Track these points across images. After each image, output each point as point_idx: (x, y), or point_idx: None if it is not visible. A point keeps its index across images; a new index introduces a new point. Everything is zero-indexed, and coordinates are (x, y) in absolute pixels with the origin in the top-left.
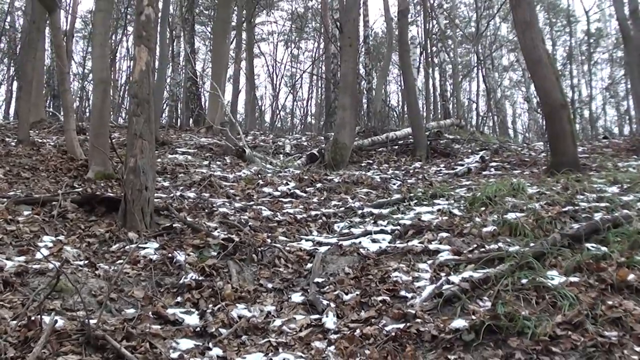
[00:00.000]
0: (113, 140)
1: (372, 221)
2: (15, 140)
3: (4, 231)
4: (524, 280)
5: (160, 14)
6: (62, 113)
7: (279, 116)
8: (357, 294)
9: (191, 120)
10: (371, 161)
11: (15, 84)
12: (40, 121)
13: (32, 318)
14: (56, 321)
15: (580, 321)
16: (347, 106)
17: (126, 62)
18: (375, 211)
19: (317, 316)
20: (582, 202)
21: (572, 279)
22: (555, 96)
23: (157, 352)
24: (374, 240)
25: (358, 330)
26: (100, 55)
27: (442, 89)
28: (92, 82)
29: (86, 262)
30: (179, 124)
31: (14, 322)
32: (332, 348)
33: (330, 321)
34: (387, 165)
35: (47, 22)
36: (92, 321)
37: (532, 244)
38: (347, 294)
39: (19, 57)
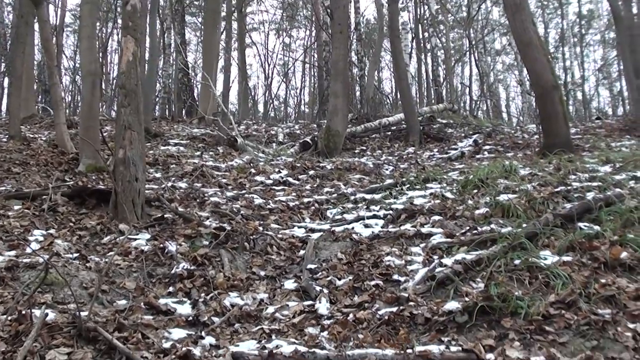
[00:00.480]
0: (105, 133)
1: (365, 206)
2: (7, 136)
3: None
4: (516, 261)
5: (149, 5)
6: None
7: (272, 105)
8: (350, 279)
9: (184, 111)
10: (364, 148)
11: (5, 80)
12: (31, 116)
13: (23, 312)
14: (47, 314)
15: (573, 300)
16: (339, 93)
17: (117, 54)
18: (368, 196)
19: (310, 302)
20: (574, 182)
21: (565, 258)
22: (547, 78)
23: (150, 342)
24: (366, 226)
25: (351, 315)
26: (88, 48)
27: (435, 74)
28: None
29: (77, 254)
30: (171, 116)
31: (4, 316)
32: (325, 333)
33: (323, 307)
34: (381, 151)
35: (36, 16)
36: (83, 313)
37: (524, 225)
38: (340, 279)
39: (9, 52)
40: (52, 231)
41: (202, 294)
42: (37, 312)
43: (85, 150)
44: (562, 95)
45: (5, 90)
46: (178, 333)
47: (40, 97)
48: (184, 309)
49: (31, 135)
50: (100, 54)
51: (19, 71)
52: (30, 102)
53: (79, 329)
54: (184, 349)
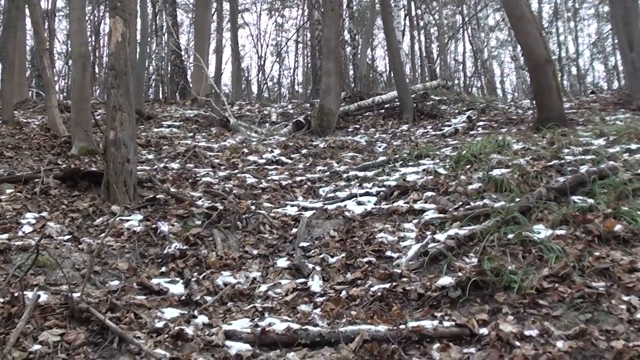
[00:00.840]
0: (98, 117)
1: (358, 184)
2: (0, 121)
3: None
4: (510, 235)
5: None
6: None
7: (266, 86)
8: (342, 257)
9: (177, 93)
10: (358, 126)
11: None
12: (24, 101)
13: (15, 294)
14: (39, 296)
15: (567, 273)
16: (331, 72)
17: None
18: (361, 174)
19: (302, 280)
20: (567, 156)
21: (559, 232)
22: (540, 52)
23: (142, 322)
24: (359, 203)
25: (344, 292)
26: (78, 30)
27: (428, 51)
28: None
29: (69, 237)
30: (164, 98)
31: None
32: (318, 310)
33: (316, 284)
34: (374, 129)
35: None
36: (75, 295)
37: (517, 199)
38: (332, 256)
39: (1, 38)
40: (44, 214)
41: (195, 274)
42: (29, 294)
43: (78, 133)
44: (555, 69)
45: None
46: (171, 312)
47: (33, 81)
48: (177, 288)
49: (24, 120)
50: (93, 38)
51: (10, 56)
52: (23, 87)
53: (72, 310)
54: (176, 328)
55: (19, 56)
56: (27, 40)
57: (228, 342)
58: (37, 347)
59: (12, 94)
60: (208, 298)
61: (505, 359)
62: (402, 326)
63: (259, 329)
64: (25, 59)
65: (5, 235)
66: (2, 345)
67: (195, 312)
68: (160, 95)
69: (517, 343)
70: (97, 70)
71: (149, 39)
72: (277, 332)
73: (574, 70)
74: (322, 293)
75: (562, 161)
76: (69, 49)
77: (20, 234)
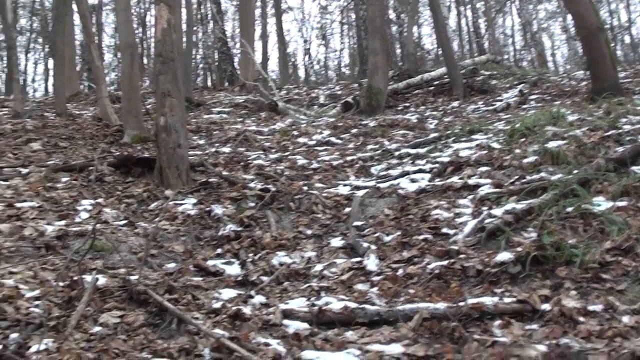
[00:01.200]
0: (148, 106)
1: (410, 161)
2: (54, 114)
3: (44, 198)
4: (569, 209)
5: None
6: None
7: (312, 69)
8: (398, 235)
9: (225, 80)
10: (407, 104)
11: (50, 61)
12: (76, 94)
13: (75, 278)
14: (97, 279)
15: (630, 246)
16: (378, 50)
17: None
18: (413, 151)
19: (358, 259)
20: (625, 125)
21: (620, 203)
22: (591, 20)
23: (200, 303)
24: (412, 180)
25: (401, 271)
26: (125, 21)
27: (475, 26)
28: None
29: (125, 221)
30: (212, 85)
31: (57, 283)
32: (375, 289)
33: (371, 263)
34: (424, 106)
35: None
36: (133, 277)
37: (575, 171)
38: (387, 235)
39: (51, 33)
40: (100, 200)
41: (250, 255)
42: (88, 278)
43: (129, 121)
44: (607, 37)
45: (51, 71)
46: (228, 293)
47: (84, 75)
48: (233, 269)
49: (77, 112)
50: (140, 29)
51: (60, 50)
52: (74, 81)
53: (130, 293)
54: (234, 308)
55: (69, 50)
56: (76, 35)
57: (285, 321)
58: (97, 328)
59: (64, 87)
60: (264, 278)
61: (569, 335)
62: (462, 303)
63: (316, 307)
64: (74, 53)
65: (62, 222)
66: (64, 328)
67: (252, 292)
68: (209, 83)
69: (581, 318)
70: (145, 61)
71: (194, 28)
72: (334, 311)
73: (627, 39)
74: (378, 272)
75: (620, 131)
76: (117, 42)
77: (77, 220)
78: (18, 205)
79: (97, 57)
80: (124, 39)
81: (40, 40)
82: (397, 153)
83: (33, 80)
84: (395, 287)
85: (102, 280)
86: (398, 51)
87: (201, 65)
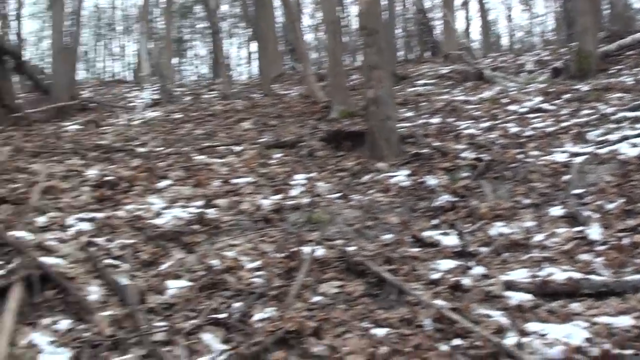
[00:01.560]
0: (353, 81)
1: (629, 125)
2: (261, 94)
3: (259, 174)
4: None
5: None
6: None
7: (515, 36)
8: (621, 202)
9: (427, 52)
10: (620, 67)
11: (252, 45)
12: (280, 75)
13: (293, 249)
14: (315, 251)
15: None
16: (586, 10)
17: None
18: (631, 114)
19: (579, 228)
20: None
21: None
22: None
23: (418, 273)
24: (633, 145)
25: (626, 240)
26: None
27: None
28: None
29: (339, 194)
30: (415, 58)
31: (276, 254)
32: (599, 259)
33: (595, 232)
34: (639, 68)
35: None
36: (350, 248)
37: None
38: (610, 203)
39: (254, 18)
40: (313, 174)
41: (467, 225)
42: (306, 249)
43: (336, 97)
44: None
45: (253, 55)
46: (446, 264)
47: (287, 56)
48: (450, 240)
49: (282, 92)
50: (341, 7)
51: (264, 32)
52: (278, 62)
53: (348, 264)
54: (453, 279)
55: (272, 33)
56: (276, 18)
57: (507, 293)
58: (317, 298)
59: (269, 68)
60: (483, 249)
61: None
62: None
63: (539, 278)
64: (275, 34)
65: (278, 196)
66: (284, 297)
67: (471, 263)
68: (410, 56)
69: None
70: (347, 39)
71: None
72: (558, 282)
73: None
74: (602, 241)
75: None
76: (317, 22)
77: (291, 194)
78: (234, 181)
79: (300, 36)
80: (327, 15)
81: (242, 24)
82: (614, 117)
83: (238, 65)
84: (622, 256)
85: (320, 251)
86: (605, 12)
87: (402, 39)
